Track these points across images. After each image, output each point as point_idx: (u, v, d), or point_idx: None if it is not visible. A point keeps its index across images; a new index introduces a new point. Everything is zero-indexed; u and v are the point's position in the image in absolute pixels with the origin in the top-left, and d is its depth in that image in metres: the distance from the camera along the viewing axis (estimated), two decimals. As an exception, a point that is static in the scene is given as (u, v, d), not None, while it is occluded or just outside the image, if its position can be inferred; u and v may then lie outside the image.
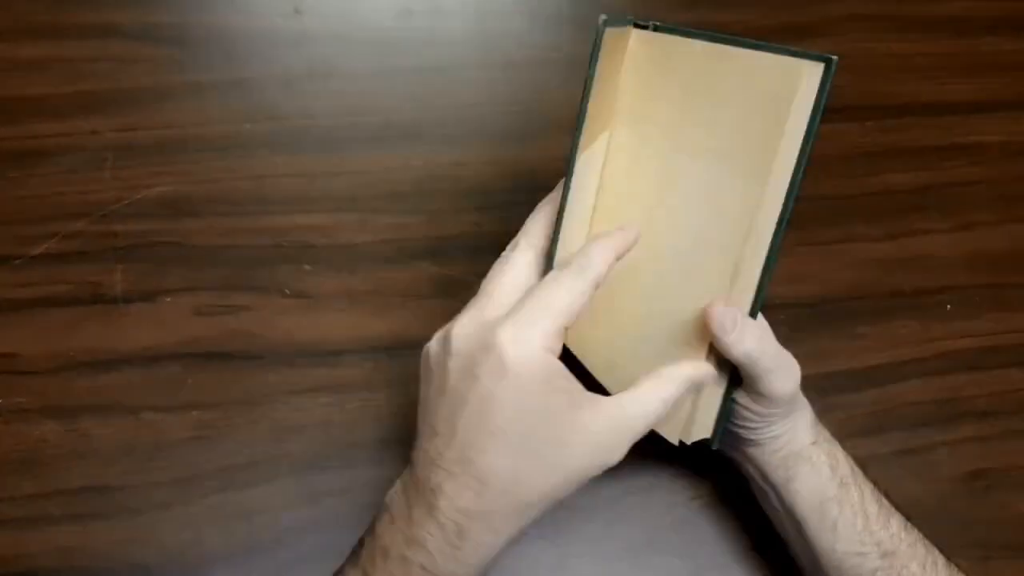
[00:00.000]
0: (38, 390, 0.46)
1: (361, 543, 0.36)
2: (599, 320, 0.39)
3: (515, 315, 0.33)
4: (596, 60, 0.33)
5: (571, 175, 0.35)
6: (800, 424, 0.41)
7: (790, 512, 0.41)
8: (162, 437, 0.46)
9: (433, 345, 0.35)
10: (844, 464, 0.42)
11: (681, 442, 0.39)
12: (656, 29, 0.37)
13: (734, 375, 0.38)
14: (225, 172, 0.53)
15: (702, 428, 0.39)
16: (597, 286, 0.35)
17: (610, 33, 0.34)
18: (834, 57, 0.31)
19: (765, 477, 0.41)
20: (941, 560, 0.41)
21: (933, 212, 0.57)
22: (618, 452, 0.34)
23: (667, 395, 0.35)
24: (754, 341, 0.36)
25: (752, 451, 0.41)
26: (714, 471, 0.48)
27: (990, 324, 0.54)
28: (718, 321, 0.35)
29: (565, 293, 0.34)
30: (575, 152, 0.35)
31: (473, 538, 0.33)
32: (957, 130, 0.60)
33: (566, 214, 0.36)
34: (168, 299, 0.49)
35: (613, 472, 0.47)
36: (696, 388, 0.37)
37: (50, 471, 0.45)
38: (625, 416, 0.34)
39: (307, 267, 0.51)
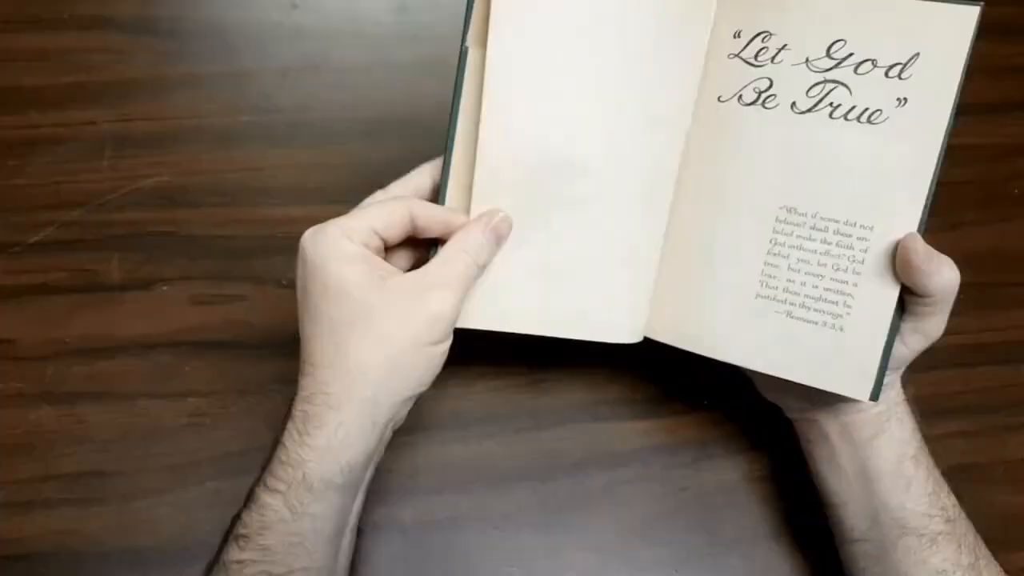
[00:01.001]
0: (35, 376, 0.47)
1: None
2: None
3: (322, 223, 0.37)
4: None
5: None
6: (899, 379, 0.42)
7: (864, 468, 0.41)
8: (158, 424, 0.46)
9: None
10: (917, 427, 0.42)
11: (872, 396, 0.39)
12: None
13: (895, 318, 0.38)
14: (221, 163, 0.53)
15: (869, 376, 0.39)
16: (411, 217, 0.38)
17: None
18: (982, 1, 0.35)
19: (846, 433, 0.41)
20: (980, 538, 0.42)
21: (921, 211, 0.58)
22: (437, 306, 0.36)
23: (472, 243, 0.38)
24: (954, 272, 0.37)
25: (848, 406, 0.41)
26: (703, 463, 0.48)
27: (976, 322, 0.55)
28: (922, 252, 0.36)
29: (380, 204, 0.38)
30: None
31: (317, 418, 0.35)
32: (945, 131, 0.60)
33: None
34: (164, 288, 0.49)
35: (605, 461, 0.48)
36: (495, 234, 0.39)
37: (46, 456, 0.45)
38: (428, 271, 0.37)
39: (303, 258, 0.51)
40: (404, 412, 0.38)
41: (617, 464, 0.48)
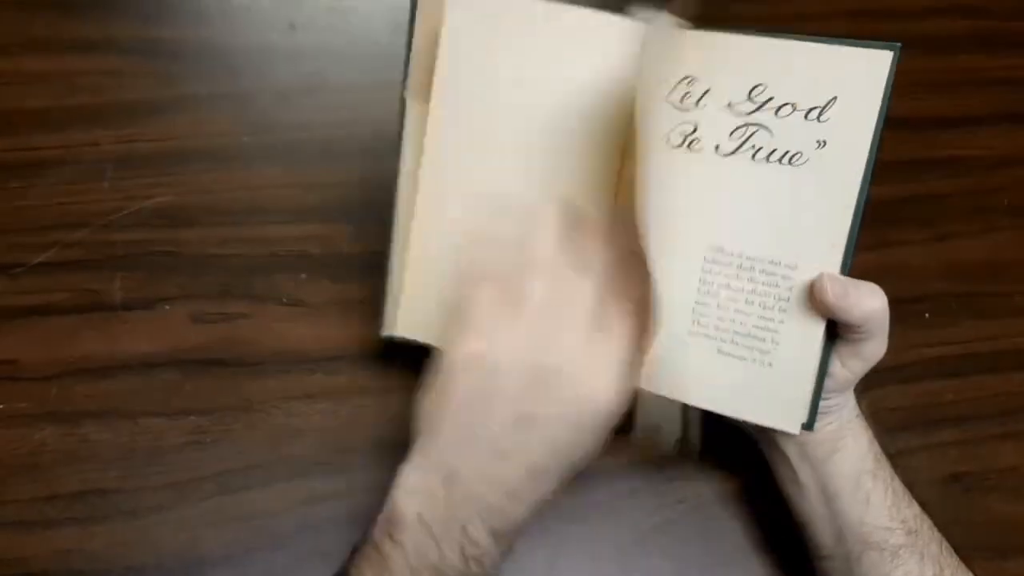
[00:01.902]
0: (38, 396, 0.47)
1: (374, 546, 0.35)
2: None
3: (619, 372, 0.35)
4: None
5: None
6: (850, 398, 0.43)
7: (824, 486, 0.42)
8: (160, 442, 0.47)
9: (513, 369, 0.35)
10: (874, 440, 0.43)
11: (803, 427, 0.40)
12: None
13: (825, 350, 0.39)
14: (222, 183, 0.54)
15: (800, 408, 0.40)
16: None
17: None
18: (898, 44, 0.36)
19: (804, 453, 0.42)
20: (947, 547, 0.42)
21: (911, 223, 0.59)
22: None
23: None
24: (876, 300, 0.38)
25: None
26: (700, 475, 0.49)
27: (967, 331, 0.55)
28: (833, 291, 0.37)
29: None
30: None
31: (488, 566, 0.35)
32: (933, 144, 0.61)
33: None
34: (166, 307, 0.50)
35: (601, 475, 0.48)
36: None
37: (49, 475, 0.45)
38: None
39: (303, 275, 0.52)
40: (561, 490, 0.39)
41: (614, 477, 0.49)
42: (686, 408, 0.41)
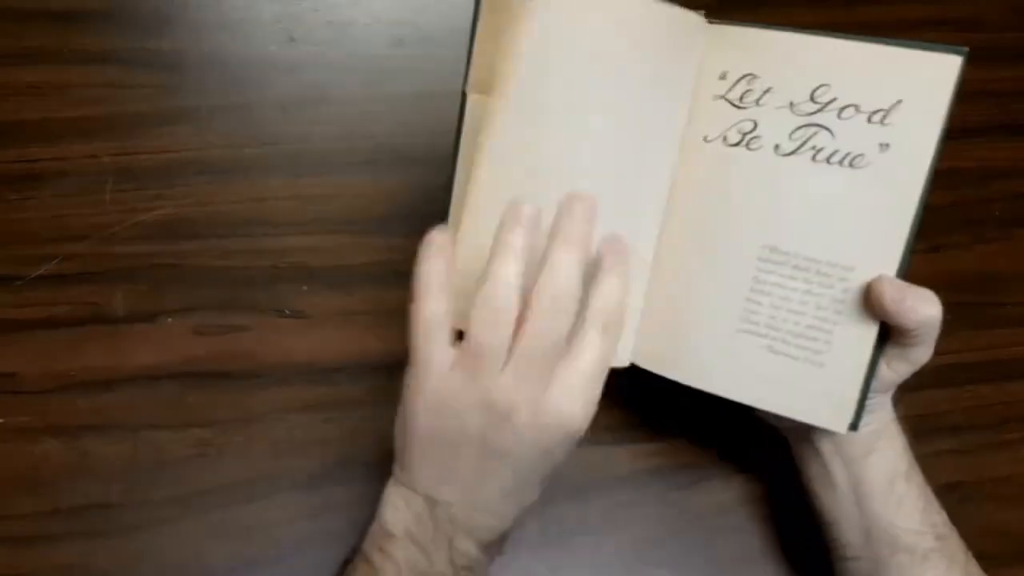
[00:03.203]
0: (40, 409, 0.47)
1: (365, 559, 0.37)
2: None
3: (587, 398, 0.34)
4: None
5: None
6: (889, 400, 0.43)
7: (856, 486, 0.42)
8: (162, 455, 0.47)
9: (486, 405, 0.34)
10: (908, 444, 0.43)
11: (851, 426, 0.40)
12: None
13: (875, 352, 0.39)
14: (222, 195, 0.54)
15: (848, 408, 0.40)
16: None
17: None
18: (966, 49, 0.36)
19: (839, 451, 0.42)
20: (971, 556, 0.43)
21: (905, 234, 0.59)
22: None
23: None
24: (932, 307, 0.38)
25: None
26: (702, 485, 0.49)
27: (961, 342, 0.56)
28: (891, 295, 0.37)
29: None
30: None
31: (478, 571, 0.37)
32: (927, 156, 0.62)
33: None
34: (168, 319, 0.50)
35: (604, 485, 0.49)
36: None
37: (51, 489, 0.45)
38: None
39: (304, 287, 0.52)
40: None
41: (616, 488, 0.49)
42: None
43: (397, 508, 0.37)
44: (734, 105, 0.40)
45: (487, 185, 0.40)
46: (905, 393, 0.53)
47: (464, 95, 0.40)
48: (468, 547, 0.36)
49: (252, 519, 0.46)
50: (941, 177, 0.62)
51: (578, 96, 0.39)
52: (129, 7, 0.59)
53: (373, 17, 0.61)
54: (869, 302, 0.38)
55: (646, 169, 0.41)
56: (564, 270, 0.33)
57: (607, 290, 0.34)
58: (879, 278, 0.38)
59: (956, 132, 0.63)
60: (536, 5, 0.38)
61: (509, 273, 0.33)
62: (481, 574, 0.37)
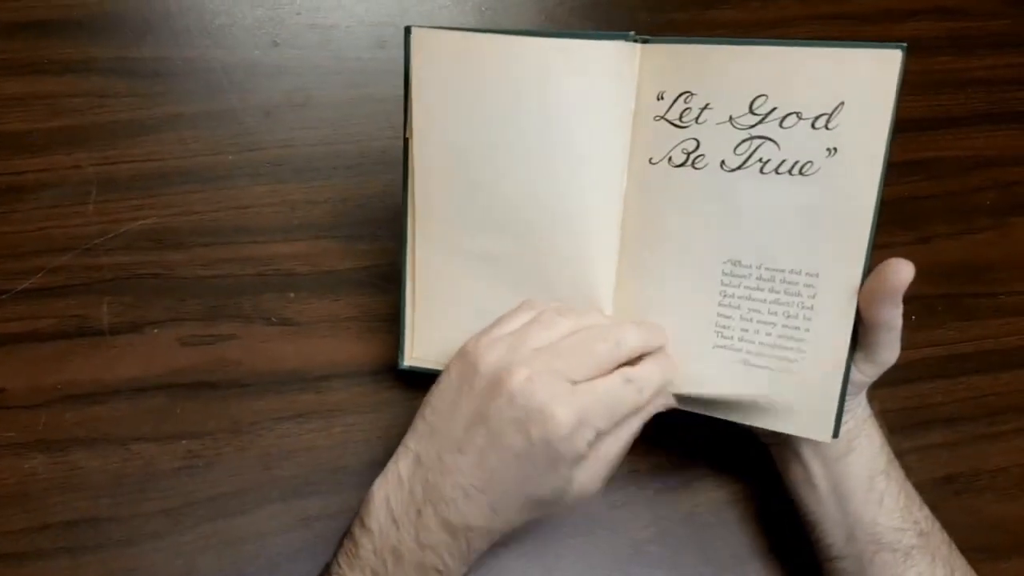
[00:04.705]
0: (27, 424, 0.47)
1: (350, 536, 0.38)
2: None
3: (583, 408, 0.36)
4: None
5: None
6: (863, 397, 0.43)
7: (836, 486, 0.42)
8: (152, 467, 0.46)
9: (488, 372, 0.37)
10: (886, 441, 0.44)
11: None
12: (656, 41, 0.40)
13: (849, 356, 0.39)
14: (207, 203, 0.54)
15: (828, 416, 0.40)
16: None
17: None
18: (904, 43, 0.35)
19: (817, 453, 0.43)
20: (955, 549, 0.43)
21: (893, 226, 0.59)
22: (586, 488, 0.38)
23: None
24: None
25: None
26: (694, 485, 0.49)
27: (953, 333, 0.56)
28: (906, 273, 0.37)
29: (615, 390, 0.37)
30: None
31: (476, 547, 0.38)
32: (913, 146, 0.62)
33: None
34: (154, 330, 0.50)
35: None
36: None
37: (40, 504, 0.45)
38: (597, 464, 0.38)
39: (291, 295, 0.52)
40: None
41: (608, 489, 0.48)
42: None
43: (386, 476, 0.38)
44: (674, 125, 0.39)
45: (421, 217, 0.43)
46: (898, 385, 0.54)
47: (406, 141, 0.42)
48: (432, 522, 0.36)
49: (243, 530, 0.45)
50: (929, 167, 0.62)
51: (472, 134, 0.40)
52: (110, 16, 0.58)
53: (356, 19, 0.60)
54: (880, 281, 0.38)
55: (591, 196, 0.41)
56: None
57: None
58: (897, 260, 0.38)
59: (942, 121, 0.64)
60: (417, 47, 0.40)
61: None
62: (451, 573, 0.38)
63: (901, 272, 0.37)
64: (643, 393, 0.37)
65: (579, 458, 0.36)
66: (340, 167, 0.56)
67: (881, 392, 0.52)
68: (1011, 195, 0.61)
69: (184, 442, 0.47)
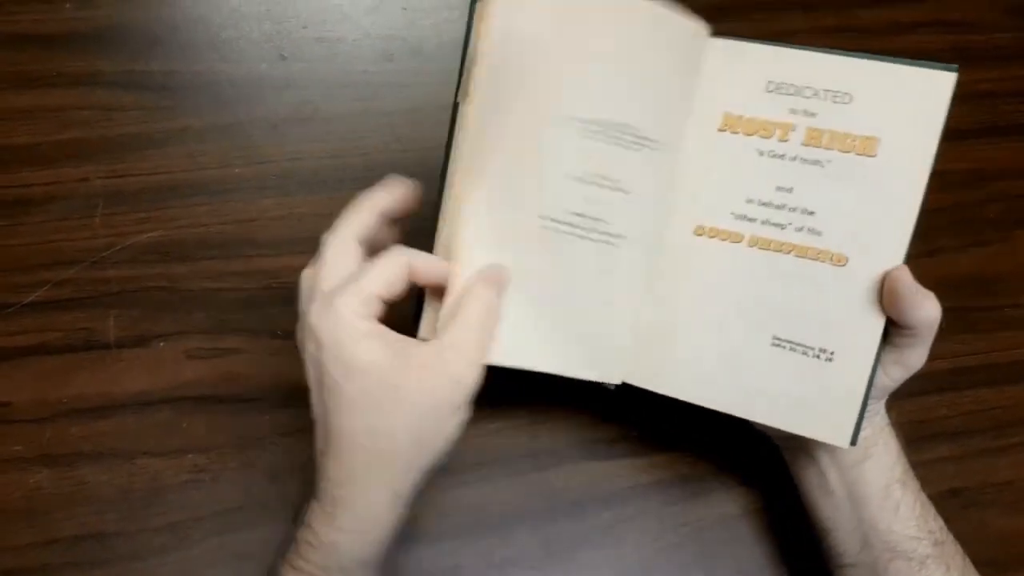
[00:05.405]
0: (33, 438, 0.47)
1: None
2: None
3: (325, 294, 0.36)
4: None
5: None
6: (882, 405, 0.43)
7: (852, 492, 0.42)
8: (158, 482, 0.46)
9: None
10: (903, 450, 0.43)
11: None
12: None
13: (875, 361, 0.39)
14: (214, 216, 0.54)
15: (850, 421, 0.40)
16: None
17: None
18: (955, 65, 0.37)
19: (834, 458, 0.42)
20: (969, 561, 0.43)
21: (900, 239, 0.59)
22: (459, 371, 0.36)
23: (481, 306, 0.37)
24: (935, 307, 0.38)
25: None
26: (701, 498, 0.49)
27: (959, 346, 0.56)
28: (911, 287, 0.38)
29: (378, 265, 0.37)
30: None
31: (346, 503, 0.35)
32: (920, 160, 0.62)
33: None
34: (161, 344, 0.50)
35: (604, 500, 0.49)
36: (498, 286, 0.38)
37: (47, 519, 0.45)
38: (444, 340, 0.36)
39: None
40: (423, 484, 0.38)
41: (616, 502, 0.49)
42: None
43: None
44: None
45: (465, 185, 0.40)
46: (905, 398, 0.53)
47: (456, 105, 0.40)
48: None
49: (250, 545, 0.45)
50: (935, 179, 0.62)
51: (542, 98, 0.39)
52: (118, 29, 0.58)
53: (362, 33, 0.61)
54: (886, 291, 0.38)
55: (650, 167, 0.41)
56: None
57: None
58: (898, 267, 0.38)
59: (949, 134, 0.63)
60: (495, 5, 0.37)
61: None
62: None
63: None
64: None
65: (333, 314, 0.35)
66: (347, 180, 0.56)
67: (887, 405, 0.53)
68: (1017, 208, 0.61)
69: (190, 456, 0.47)
